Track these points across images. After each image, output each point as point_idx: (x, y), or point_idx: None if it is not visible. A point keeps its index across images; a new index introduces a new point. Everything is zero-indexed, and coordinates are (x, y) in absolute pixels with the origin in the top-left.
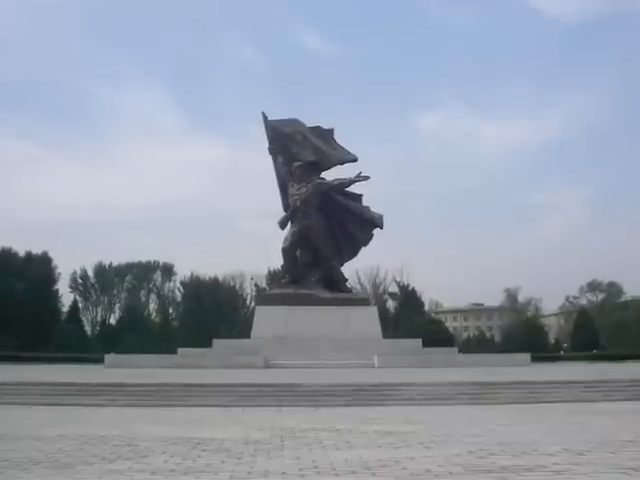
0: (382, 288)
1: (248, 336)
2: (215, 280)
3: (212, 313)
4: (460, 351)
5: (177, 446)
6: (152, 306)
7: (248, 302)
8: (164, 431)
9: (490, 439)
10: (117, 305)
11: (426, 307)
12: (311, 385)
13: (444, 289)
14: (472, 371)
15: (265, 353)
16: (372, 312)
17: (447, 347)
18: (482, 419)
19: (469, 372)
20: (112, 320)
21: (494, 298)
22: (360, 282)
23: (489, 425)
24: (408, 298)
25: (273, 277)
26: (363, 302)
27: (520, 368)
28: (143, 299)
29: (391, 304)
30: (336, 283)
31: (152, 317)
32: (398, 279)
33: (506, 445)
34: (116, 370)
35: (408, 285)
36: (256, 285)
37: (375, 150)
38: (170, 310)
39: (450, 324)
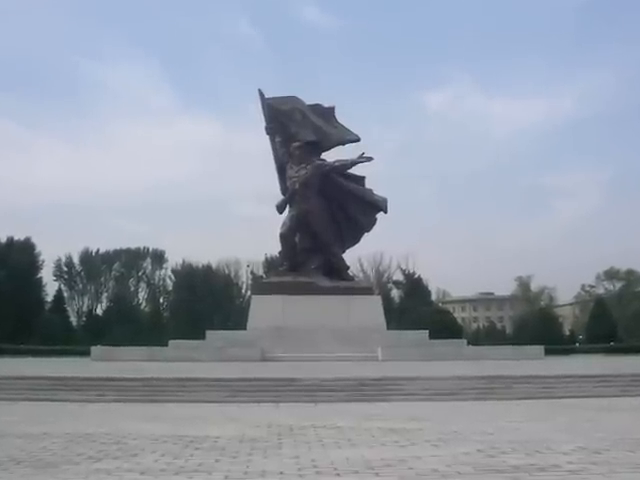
0: (386, 276)
1: (244, 327)
2: (209, 268)
3: (205, 303)
4: (469, 343)
5: (168, 444)
6: (142, 295)
7: (244, 291)
8: (154, 428)
9: (500, 437)
10: (104, 294)
11: (433, 296)
12: (310, 379)
13: (452, 277)
14: (481, 364)
15: (262, 345)
16: (375, 302)
17: (455, 339)
18: (492, 415)
19: (478, 365)
20: (99, 310)
21: (505, 287)
22: (363, 270)
23: (499, 422)
24: (414, 287)
25: (270, 264)
26: (366, 291)
27: (532, 361)
28: (132, 288)
29: (396, 293)
30: (337, 271)
31: (142, 307)
32: (403, 267)
33: (517, 443)
34: (103, 363)
35: (414, 273)
36: (252, 273)
37: (378, 130)
38: (161, 300)
39: (458, 314)
